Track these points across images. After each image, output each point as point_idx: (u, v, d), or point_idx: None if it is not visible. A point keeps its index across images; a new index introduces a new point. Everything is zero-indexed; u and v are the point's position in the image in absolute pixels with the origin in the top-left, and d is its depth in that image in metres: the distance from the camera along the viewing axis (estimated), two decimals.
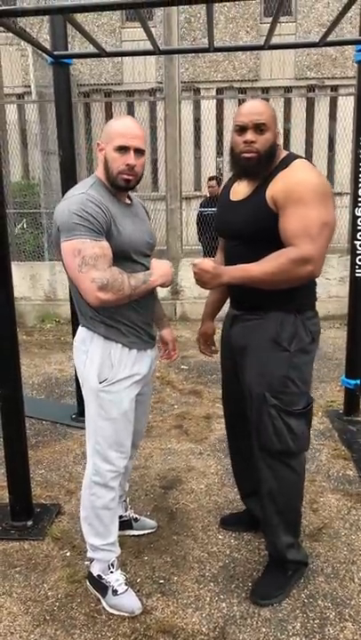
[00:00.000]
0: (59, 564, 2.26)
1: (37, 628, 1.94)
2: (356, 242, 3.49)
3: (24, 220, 7.32)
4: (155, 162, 9.17)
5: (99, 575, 2.03)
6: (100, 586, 2.02)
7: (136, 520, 2.43)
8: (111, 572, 2.02)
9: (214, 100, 9.03)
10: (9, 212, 6.57)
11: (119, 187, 1.84)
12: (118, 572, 2.04)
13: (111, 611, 1.98)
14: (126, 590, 2.01)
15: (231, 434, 2.33)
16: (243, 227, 1.92)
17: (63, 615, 1.99)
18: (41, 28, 8.43)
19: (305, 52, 9.34)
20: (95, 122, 9.44)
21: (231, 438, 2.34)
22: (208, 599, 2.05)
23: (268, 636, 1.87)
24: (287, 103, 9.34)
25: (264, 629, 1.90)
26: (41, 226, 7.18)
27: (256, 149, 1.86)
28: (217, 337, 2.31)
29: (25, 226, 7.31)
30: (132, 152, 1.80)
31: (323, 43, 2.87)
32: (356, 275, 3.51)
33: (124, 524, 2.35)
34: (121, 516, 2.30)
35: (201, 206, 7.84)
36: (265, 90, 9.58)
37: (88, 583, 2.10)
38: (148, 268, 1.91)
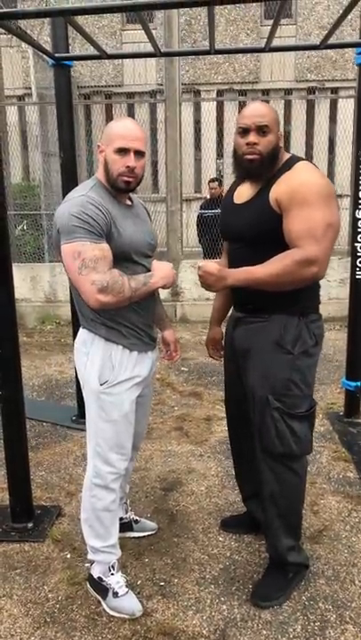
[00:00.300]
0: (59, 566, 2.26)
1: (38, 630, 1.93)
2: (356, 244, 3.49)
3: (24, 221, 7.32)
4: (155, 164, 9.17)
5: (99, 577, 2.03)
6: (101, 588, 2.02)
7: (136, 522, 2.43)
8: (112, 574, 2.02)
9: (215, 102, 9.04)
10: (9, 214, 6.58)
11: (119, 189, 1.84)
12: (119, 575, 2.04)
13: (112, 613, 1.98)
14: (127, 592, 2.00)
15: (233, 436, 2.32)
16: (246, 229, 1.92)
17: (63, 617, 1.98)
18: (42, 30, 8.43)
19: (305, 55, 9.34)
20: (95, 124, 9.46)
21: (233, 440, 2.33)
22: (208, 601, 2.05)
23: (269, 639, 1.87)
24: (287, 105, 9.34)
25: (265, 632, 1.90)
26: (41, 227, 7.18)
27: (259, 151, 1.86)
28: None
29: (25, 227, 7.31)
30: (132, 154, 1.80)
31: (324, 45, 2.87)
32: (357, 277, 3.52)
33: (125, 525, 2.35)
34: (121, 518, 2.29)
35: (201, 208, 7.84)
36: (265, 92, 9.59)
37: (88, 585, 2.09)
38: (149, 270, 1.90)
